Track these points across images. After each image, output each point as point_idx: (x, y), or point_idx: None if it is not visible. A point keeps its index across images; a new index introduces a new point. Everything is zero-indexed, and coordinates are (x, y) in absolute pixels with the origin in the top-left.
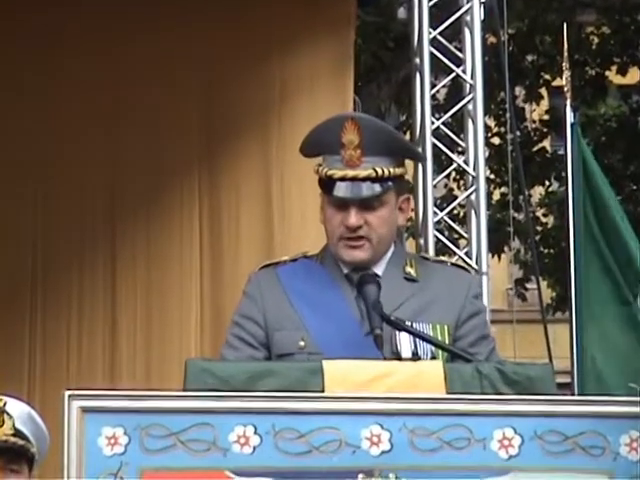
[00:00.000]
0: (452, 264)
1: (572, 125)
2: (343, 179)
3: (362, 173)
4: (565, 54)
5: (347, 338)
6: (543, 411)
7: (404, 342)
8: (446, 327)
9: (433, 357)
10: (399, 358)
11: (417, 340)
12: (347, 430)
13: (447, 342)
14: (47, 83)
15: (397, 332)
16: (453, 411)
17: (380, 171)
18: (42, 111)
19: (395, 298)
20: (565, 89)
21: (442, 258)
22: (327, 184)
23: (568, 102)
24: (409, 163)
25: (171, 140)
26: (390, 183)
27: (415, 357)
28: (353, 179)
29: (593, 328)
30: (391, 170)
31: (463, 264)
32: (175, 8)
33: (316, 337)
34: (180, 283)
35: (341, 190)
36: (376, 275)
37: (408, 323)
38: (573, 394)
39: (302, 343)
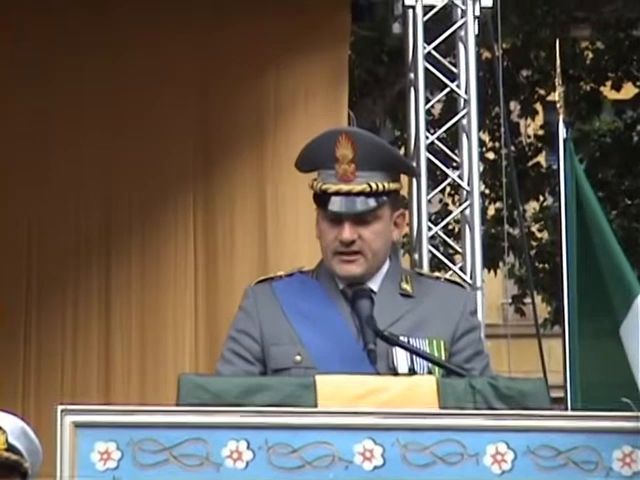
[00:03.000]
0: (447, 280)
1: (565, 140)
2: (337, 193)
3: (356, 188)
4: (558, 70)
5: (344, 353)
6: (536, 426)
7: (401, 358)
8: (442, 342)
9: (430, 372)
10: (396, 374)
11: (414, 356)
12: (340, 445)
13: (443, 357)
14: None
15: (393, 348)
16: (446, 426)
17: (374, 186)
18: (38, 123)
19: (391, 314)
20: (558, 105)
21: (437, 274)
22: (321, 198)
23: (561, 117)
24: (403, 178)
25: (165, 155)
26: (385, 198)
27: (412, 373)
28: (347, 194)
29: (586, 342)
30: (386, 185)
31: (458, 279)
32: (170, 24)
33: (313, 352)
34: (174, 299)
35: (335, 205)
36: (371, 291)
37: (405, 339)
38: (566, 409)
39: (298, 358)
